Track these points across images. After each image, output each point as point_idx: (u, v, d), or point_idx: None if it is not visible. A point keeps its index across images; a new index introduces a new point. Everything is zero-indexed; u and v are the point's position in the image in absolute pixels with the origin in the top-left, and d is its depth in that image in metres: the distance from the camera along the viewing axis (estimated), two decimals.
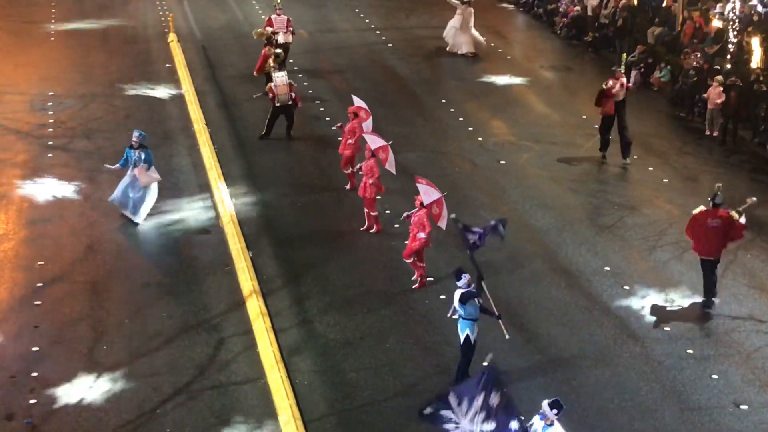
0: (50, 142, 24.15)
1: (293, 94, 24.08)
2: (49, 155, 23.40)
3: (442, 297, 17.11)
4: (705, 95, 25.44)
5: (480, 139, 24.95)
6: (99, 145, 24.03)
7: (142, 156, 19.68)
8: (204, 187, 21.69)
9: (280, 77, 24.01)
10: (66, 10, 37.03)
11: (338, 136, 22.06)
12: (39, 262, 18.38)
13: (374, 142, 19.34)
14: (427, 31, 35.05)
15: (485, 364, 11.69)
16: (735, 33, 27.19)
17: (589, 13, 33.82)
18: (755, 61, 25.95)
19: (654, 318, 16.93)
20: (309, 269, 18.34)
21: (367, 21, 36.24)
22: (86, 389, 14.72)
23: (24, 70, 29.72)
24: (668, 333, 16.48)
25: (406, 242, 17.59)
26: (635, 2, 32.41)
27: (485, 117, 26.74)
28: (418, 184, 17.37)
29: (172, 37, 32.74)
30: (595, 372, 15.37)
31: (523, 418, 13.87)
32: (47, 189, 21.56)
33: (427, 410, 12.02)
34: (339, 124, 22.03)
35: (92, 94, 27.65)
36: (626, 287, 17.88)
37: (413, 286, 17.58)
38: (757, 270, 18.65)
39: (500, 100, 28.07)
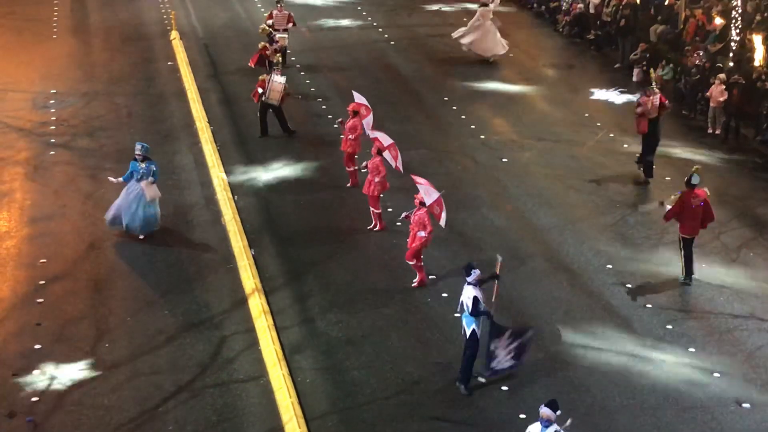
0: (52, 140, 24.16)
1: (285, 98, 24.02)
2: (51, 153, 23.41)
3: (444, 295, 17.12)
4: (707, 93, 25.42)
5: (482, 137, 24.94)
6: (101, 143, 24.04)
7: (152, 168, 19.04)
8: (206, 185, 21.70)
9: (278, 81, 23.86)
10: (68, 8, 37.02)
11: (340, 134, 22.05)
12: (41, 260, 18.40)
13: (385, 140, 19.40)
14: (429, 29, 35.01)
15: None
16: (737, 31, 27.17)
17: (592, 11, 33.78)
18: (758, 59, 25.92)
19: (656, 316, 16.92)
20: (311, 267, 18.34)
21: (369, 19, 36.21)
22: (88, 387, 14.73)
23: (26, 68, 29.73)
24: (670, 331, 16.48)
25: (408, 240, 17.61)
26: (638, 0, 32.36)
27: (487, 115, 26.72)
28: (418, 185, 17.37)
29: (174, 34, 32.74)
30: (596, 370, 15.37)
31: (524, 416, 13.95)
32: (49, 187, 21.57)
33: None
34: (339, 120, 22.04)
35: (94, 92, 27.66)
36: (628, 285, 17.87)
37: (413, 284, 17.58)
38: (759, 268, 18.64)
39: (502, 98, 28.05)
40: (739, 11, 27.25)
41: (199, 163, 22.92)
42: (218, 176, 21.82)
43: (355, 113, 21.40)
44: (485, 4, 30.65)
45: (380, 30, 34.68)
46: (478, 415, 14.28)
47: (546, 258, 18.90)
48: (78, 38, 33.26)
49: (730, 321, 16.85)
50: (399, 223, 18.94)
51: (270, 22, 29.14)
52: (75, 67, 30.02)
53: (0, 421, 13.95)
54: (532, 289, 17.73)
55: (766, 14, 27.53)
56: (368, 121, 21.50)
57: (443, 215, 17.23)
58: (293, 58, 29.97)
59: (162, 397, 14.53)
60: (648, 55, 29.13)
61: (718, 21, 28.41)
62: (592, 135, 24.86)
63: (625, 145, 24.32)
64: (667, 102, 22.08)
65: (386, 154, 19.54)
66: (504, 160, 23.55)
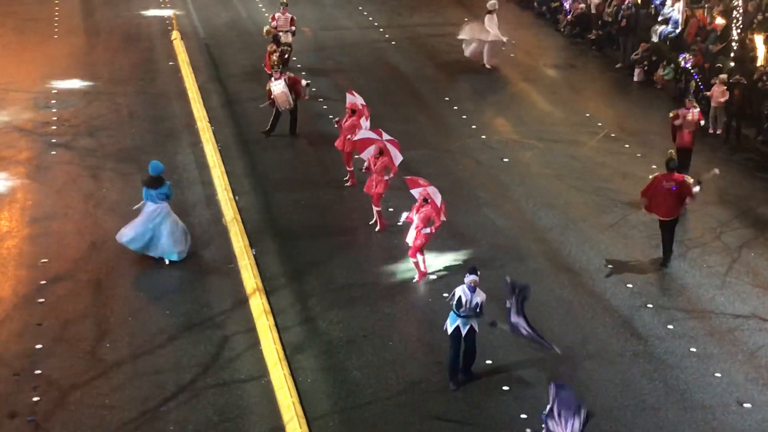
0: (53, 140, 24.17)
1: (290, 102, 23.90)
2: (53, 153, 23.42)
3: (445, 295, 17.06)
4: (708, 93, 25.41)
5: (483, 136, 24.94)
6: (102, 143, 24.05)
7: (167, 190, 18.18)
8: (207, 185, 21.71)
9: (276, 86, 23.79)
10: (69, 8, 37.02)
11: (338, 133, 22.02)
12: (42, 260, 18.40)
13: (387, 137, 19.41)
14: (430, 29, 35.01)
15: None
16: (738, 31, 27.16)
17: (593, 10, 33.79)
18: (759, 59, 25.90)
19: (657, 316, 16.93)
20: (312, 267, 18.34)
21: (370, 19, 36.22)
22: (89, 387, 14.74)
23: (27, 67, 29.72)
24: (671, 331, 16.48)
25: (406, 238, 17.62)
26: (639, 0, 32.35)
27: (489, 115, 26.72)
28: (419, 188, 17.39)
29: (175, 35, 32.74)
30: (598, 370, 15.38)
31: (524, 416, 13.96)
32: (50, 187, 21.58)
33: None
34: (336, 120, 22.02)
35: (96, 92, 27.67)
36: (629, 285, 17.87)
37: (413, 281, 17.58)
38: (760, 268, 18.64)
39: (504, 98, 28.06)
40: (740, 11, 27.25)
41: (200, 162, 22.92)
42: (219, 176, 21.83)
43: (353, 112, 21.41)
44: (490, 12, 30.17)
45: (381, 30, 34.69)
46: (479, 414, 14.28)
47: (547, 258, 18.90)
48: (79, 38, 33.26)
49: (732, 321, 16.85)
50: (400, 223, 18.92)
51: (273, 23, 29.15)
52: (76, 66, 30.01)
53: (1, 422, 13.96)
54: (533, 288, 17.58)
55: (767, 14, 27.50)
56: (365, 122, 21.47)
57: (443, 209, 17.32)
58: (294, 58, 29.97)
59: (163, 396, 14.53)
60: (651, 56, 29.15)
61: (719, 21, 28.40)
62: (593, 135, 24.85)
63: (626, 145, 24.32)
64: (702, 121, 21.92)
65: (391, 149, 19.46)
66: (505, 159, 23.55)
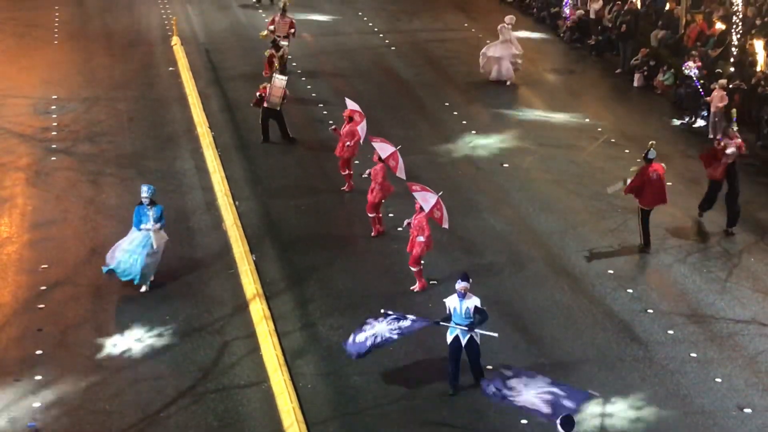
0: (53, 146, 24.17)
1: (282, 100, 23.98)
2: (53, 158, 23.42)
3: (445, 300, 17.09)
4: (708, 98, 25.43)
5: (483, 141, 24.93)
6: (102, 149, 24.06)
7: (158, 213, 17.36)
8: (207, 190, 21.70)
9: (279, 80, 23.90)
10: (69, 14, 37.06)
11: (336, 139, 22.02)
12: (42, 266, 18.40)
13: (383, 150, 19.21)
14: (430, 34, 35.06)
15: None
16: (738, 36, 27.19)
17: (593, 16, 33.84)
18: (759, 64, 25.93)
19: (657, 321, 16.92)
20: (312, 272, 18.34)
21: (370, 24, 36.25)
22: (90, 392, 14.73)
23: (27, 73, 29.74)
24: (671, 336, 16.48)
25: (408, 246, 17.59)
26: (639, 6, 32.40)
27: (488, 120, 26.73)
28: (414, 193, 17.35)
29: (175, 40, 32.77)
30: (598, 375, 15.37)
31: (525, 421, 13.91)
32: (50, 192, 21.57)
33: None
34: (333, 127, 21.99)
35: (95, 98, 27.67)
36: (629, 290, 17.87)
37: (412, 288, 17.57)
38: (760, 273, 18.65)
39: (503, 103, 28.06)
40: (740, 16, 27.28)
41: (200, 168, 22.93)
42: (219, 182, 21.83)
43: (351, 119, 21.41)
44: (506, 26, 29.38)
45: (381, 35, 34.72)
46: (479, 420, 14.27)
47: (547, 263, 18.90)
48: (79, 44, 33.27)
49: (732, 326, 16.85)
50: (400, 229, 18.94)
51: (272, 27, 29.18)
52: (76, 72, 30.04)
53: (2, 427, 13.94)
54: (533, 293, 17.72)
55: (766, 19, 27.55)
56: (362, 126, 21.49)
57: (445, 216, 17.24)
58: (294, 64, 29.98)
59: (163, 402, 14.53)
60: (650, 61, 29.19)
61: (719, 26, 28.44)
62: (593, 140, 24.86)
63: (626, 150, 24.33)
64: (744, 150, 20.54)
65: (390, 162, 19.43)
66: (505, 165, 23.55)
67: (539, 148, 24.61)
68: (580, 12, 34.07)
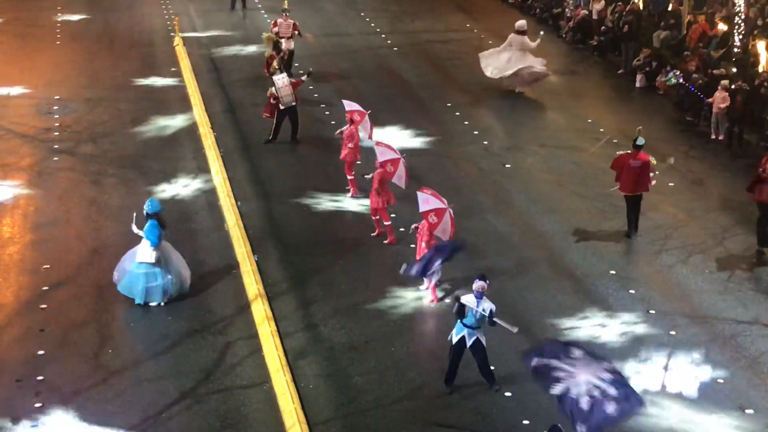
0: (56, 146, 24.19)
1: (294, 96, 23.92)
2: (55, 159, 23.44)
3: (447, 301, 17.11)
4: (710, 100, 25.41)
5: (485, 143, 24.95)
6: (105, 149, 24.07)
7: (147, 228, 16.87)
8: (209, 191, 21.71)
9: (280, 79, 23.86)
10: (72, 14, 37.07)
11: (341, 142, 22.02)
12: (44, 266, 18.40)
13: (383, 155, 19.02)
14: (432, 35, 35.07)
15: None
16: (741, 37, 27.18)
17: (595, 17, 33.83)
18: (762, 65, 25.92)
19: (660, 322, 16.91)
20: (314, 273, 18.34)
21: (372, 25, 36.27)
22: (92, 393, 14.73)
23: (30, 73, 29.75)
24: (674, 337, 16.47)
25: (413, 246, 17.57)
26: (641, 6, 32.40)
27: (490, 121, 26.74)
28: (419, 192, 17.31)
29: (177, 40, 32.78)
30: None
31: (527, 422, 13.90)
32: (53, 193, 21.58)
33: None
34: (339, 131, 21.87)
35: (98, 98, 27.69)
36: (632, 291, 17.86)
37: (429, 301, 17.49)
38: (763, 274, 18.64)
39: (505, 104, 28.07)
40: (742, 17, 27.27)
41: (203, 168, 22.93)
42: (221, 183, 21.85)
43: (352, 121, 21.35)
44: (520, 32, 28.48)
45: (383, 36, 34.72)
46: (480, 421, 14.26)
47: (549, 264, 18.89)
48: (81, 44, 33.30)
49: (734, 327, 16.83)
50: (402, 229, 18.92)
51: (275, 30, 29.19)
52: (78, 73, 30.06)
53: (4, 428, 13.95)
54: (535, 294, 17.72)
55: None
56: (365, 125, 21.41)
57: (443, 228, 17.04)
58: (296, 64, 29.98)
59: (165, 403, 14.52)
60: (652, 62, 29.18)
61: (721, 27, 28.43)
62: (596, 141, 24.84)
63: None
64: None
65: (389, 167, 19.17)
66: (507, 166, 23.56)
67: (541, 149, 24.61)
68: (584, 12, 34.06)
